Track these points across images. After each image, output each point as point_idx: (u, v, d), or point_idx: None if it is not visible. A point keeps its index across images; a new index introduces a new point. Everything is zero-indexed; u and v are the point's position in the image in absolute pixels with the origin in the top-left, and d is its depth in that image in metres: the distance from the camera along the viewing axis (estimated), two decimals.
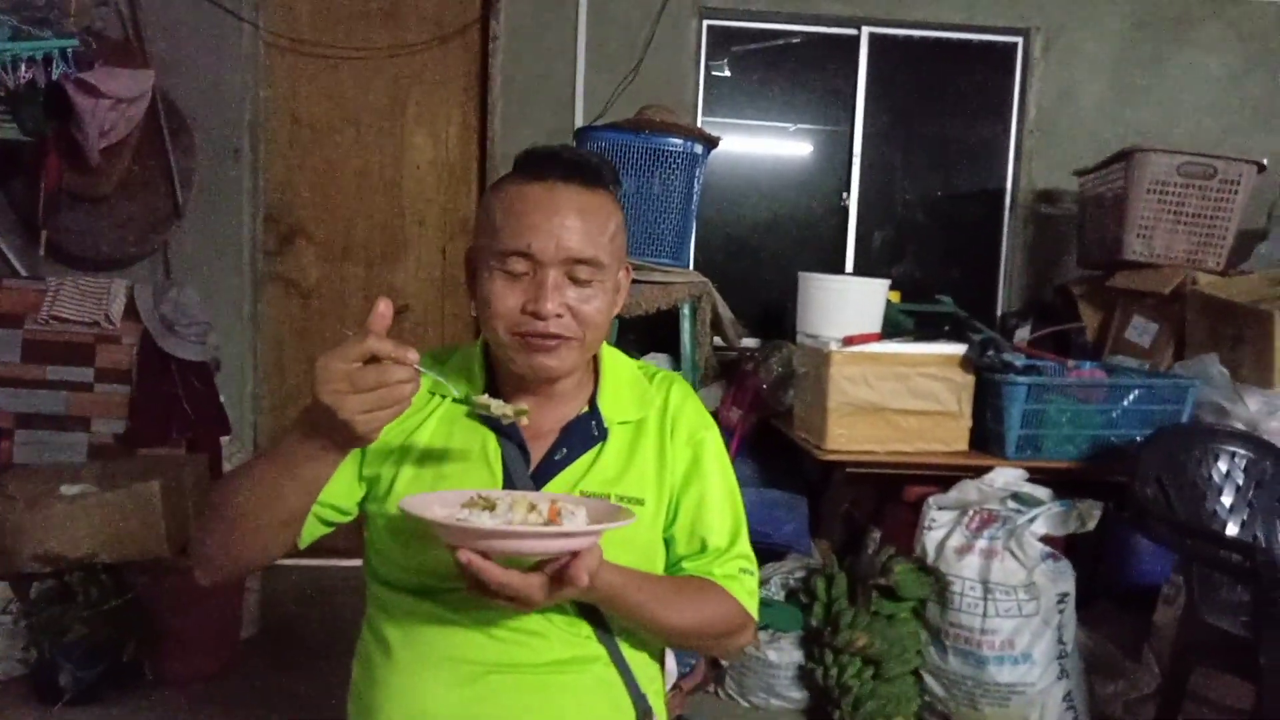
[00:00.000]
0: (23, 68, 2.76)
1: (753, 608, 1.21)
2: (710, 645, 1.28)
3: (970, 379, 2.64)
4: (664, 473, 1.19)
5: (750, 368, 3.34)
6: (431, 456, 1.15)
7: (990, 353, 2.57)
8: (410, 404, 0.93)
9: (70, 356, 3.16)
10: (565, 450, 1.16)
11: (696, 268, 3.84)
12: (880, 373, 2.59)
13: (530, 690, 1.09)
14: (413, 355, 0.90)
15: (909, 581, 2.50)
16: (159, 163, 3.47)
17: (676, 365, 3.34)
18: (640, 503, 1.16)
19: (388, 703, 1.10)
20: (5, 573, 2.65)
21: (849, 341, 2.59)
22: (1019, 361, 2.60)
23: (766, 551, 2.92)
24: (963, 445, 2.68)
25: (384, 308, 0.92)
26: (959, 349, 2.63)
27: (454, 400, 1.09)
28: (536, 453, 1.16)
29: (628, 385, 1.23)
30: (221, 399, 3.37)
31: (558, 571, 0.95)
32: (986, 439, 2.67)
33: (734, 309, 3.53)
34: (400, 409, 0.91)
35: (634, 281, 3.19)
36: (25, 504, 2.68)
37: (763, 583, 2.77)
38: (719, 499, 1.21)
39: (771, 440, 3.25)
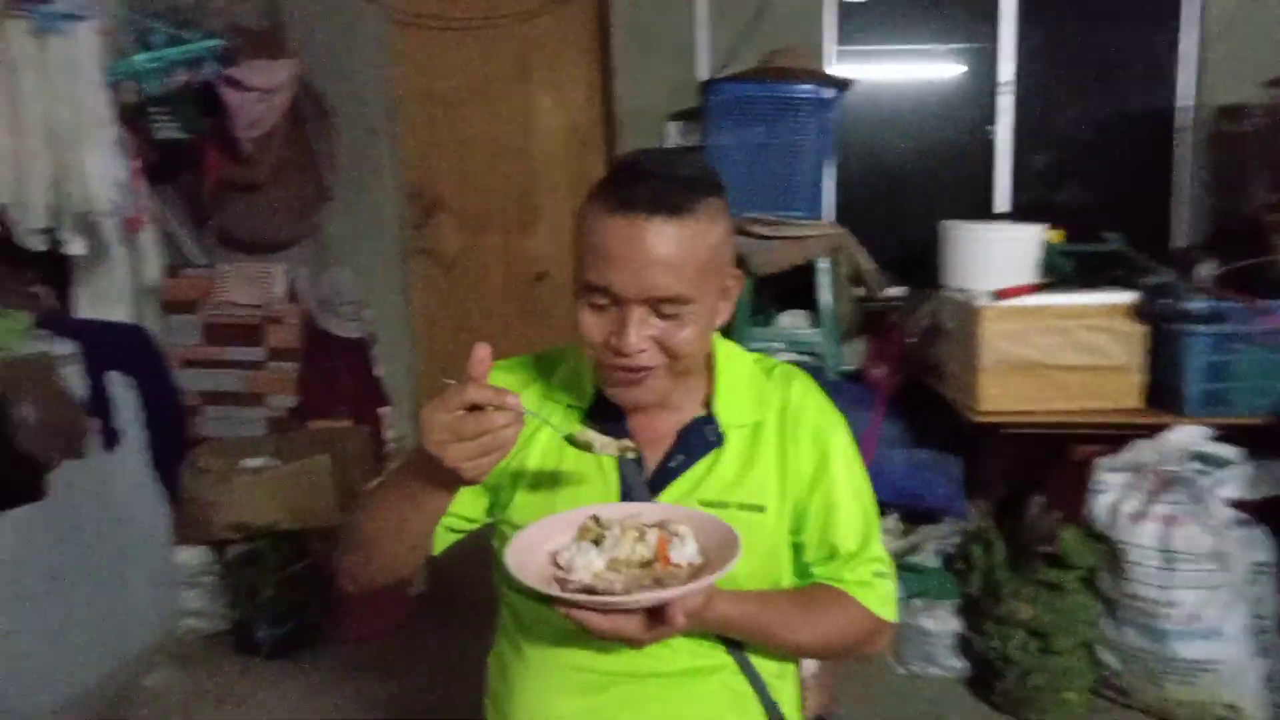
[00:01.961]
0: (177, 71, 2.91)
1: (887, 612, 1.16)
2: (842, 655, 1.24)
3: (1141, 329, 2.41)
4: (786, 477, 1.14)
5: (896, 320, 3.19)
6: (548, 467, 1.15)
7: (1164, 299, 2.33)
8: (515, 444, 0.92)
9: (243, 337, 3.39)
10: (681, 457, 1.13)
11: (837, 215, 3.69)
12: (1037, 327, 2.41)
13: (655, 699, 1.09)
14: (513, 399, 0.90)
15: (1077, 549, 2.35)
16: (306, 148, 3.62)
17: (816, 321, 3.24)
18: (761, 509, 1.12)
19: (518, 707, 1.13)
20: (204, 539, 2.90)
21: (1001, 295, 2.42)
22: (1200, 307, 2.34)
23: (919, 515, 2.81)
24: (1135, 402, 2.46)
25: (482, 353, 0.92)
26: (1127, 297, 2.41)
27: (563, 436, 1.06)
28: (652, 460, 1.14)
29: (745, 385, 1.18)
30: (380, 372, 3.54)
31: (656, 613, 0.93)
32: (1163, 394, 2.44)
33: (878, 256, 3.36)
34: (504, 453, 0.91)
35: (766, 238, 3.11)
36: (216, 477, 2.93)
37: (915, 548, 2.70)
38: (848, 501, 1.15)
39: (921, 396, 3.10)
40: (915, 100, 3.75)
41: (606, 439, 1.04)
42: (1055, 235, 3.23)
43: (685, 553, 1.00)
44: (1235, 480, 2.25)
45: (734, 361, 1.20)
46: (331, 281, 3.34)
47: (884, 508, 2.79)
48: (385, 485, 1.07)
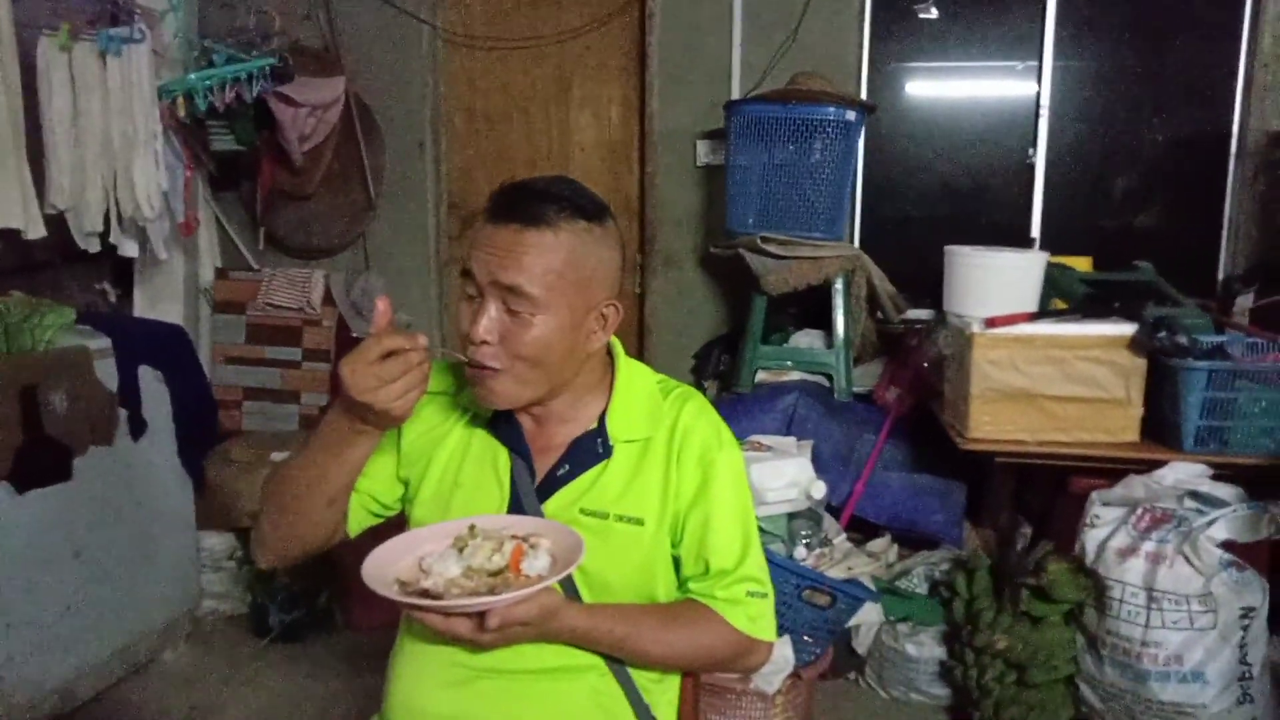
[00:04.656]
0: (227, 89, 3.12)
1: (759, 630, 1.20)
2: (711, 669, 1.28)
3: (1140, 362, 2.35)
4: (668, 493, 1.19)
5: (913, 344, 3.17)
6: (451, 467, 1.23)
7: (1163, 334, 2.27)
8: (427, 381, 1.05)
9: (283, 338, 3.60)
10: (568, 467, 1.19)
11: (862, 237, 3.69)
12: (1031, 356, 2.38)
13: (520, 696, 1.14)
14: (422, 339, 1.03)
15: (1064, 583, 2.29)
16: (354, 160, 3.82)
17: (830, 342, 3.24)
18: (640, 522, 1.17)
19: (393, 694, 1.21)
20: (228, 526, 3.09)
21: (992, 323, 2.39)
22: (1201, 341, 2.28)
23: (917, 540, 2.79)
24: (1132, 436, 2.40)
25: (383, 306, 1.06)
26: (1126, 329, 2.35)
27: (436, 357, 1.15)
28: (541, 468, 1.20)
29: (640, 402, 1.23)
30: None
31: (479, 619, 1.01)
32: (1161, 429, 2.38)
33: (906, 278, 3.35)
34: (424, 388, 1.04)
35: (780, 257, 3.13)
36: (242, 468, 3.11)
37: (904, 573, 2.68)
38: (727, 520, 1.20)
39: (933, 423, 3.07)
40: (952, 121, 3.72)
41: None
42: (1082, 263, 3.17)
43: (536, 564, 1.06)
44: (1229, 522, 2.16)
45: (635, 381, 1.26)
46: (364, 287, 3.51)
47: (875, 530, 2.80)
48: (301, 447, 1.16)
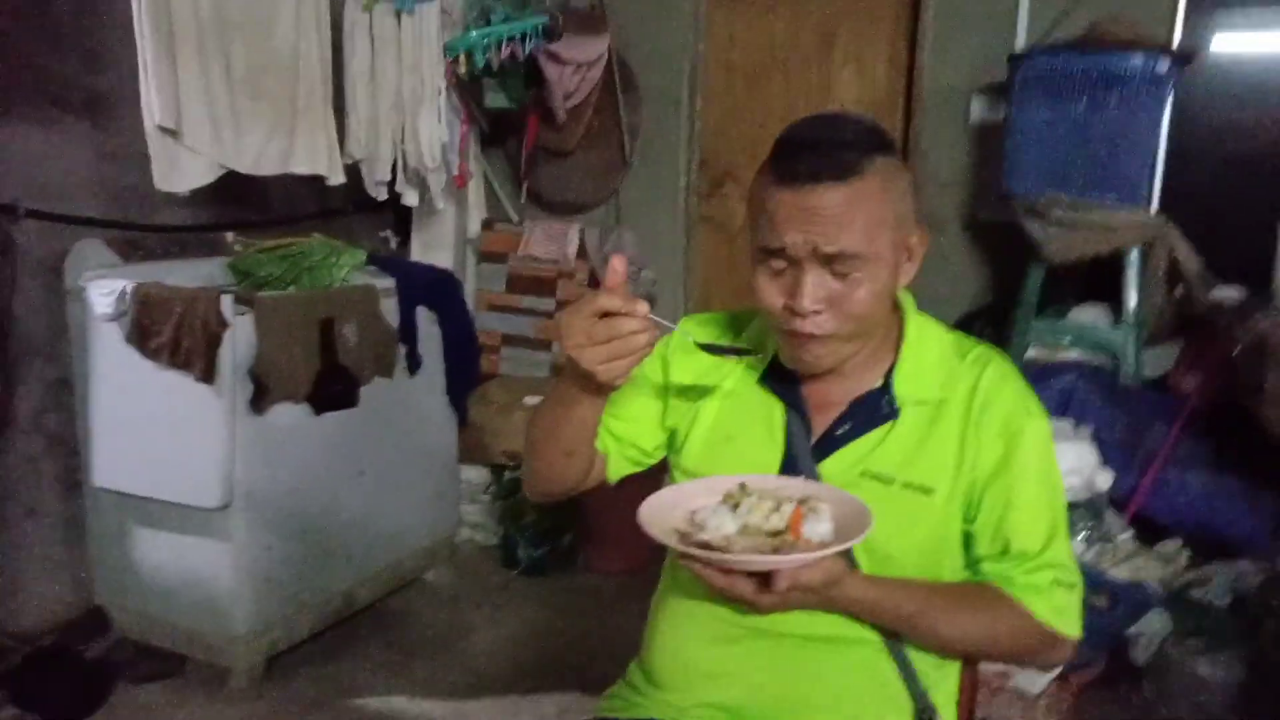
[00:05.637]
0: (504, 46, 3.25)
1: (1063, 625, 1.07)
2: (1002, 660, 1.15)
3: None
4: (964, 463, 1.08)
5: (1220, 327, 2.77)
6: (723, 420, 1.18)
7: None
8: (650, 351, 0.97)
9: (539, 288, 3.75)
10: (849, 425, 1.11)
11: (1163, 204, 3.26)
12: None
13: (788, 661, 1.09)
14: (643, 308, 0.95)
15: None
16: (613, 118, 3.88)
17: (1118, 319, 2.90)
18: (929, 491, 1.07)
19: (656, 644, 1.19)
20: (485, 461, 3.28)
21: None
22: None
23: (1213, 547, 2.45)
24: None
25: (618, 264, 0.96)
26: None
27: (697, 345, 1.10)
28: (819, 425, 1.13)
29: (933, 361, 1.12)
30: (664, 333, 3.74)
31: (763, 579, 0.94)
32: None
33: (1214, 253, 2.93)
34: (636, 358, 0.96)
35: (1066, 224, 2.84)
36: (499, 409, 3.29)
37: (1200, 583, 2.36)
38: (1033, 498, 1.07)
39: (1241, 417, 2.67)
40: None
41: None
42: None
43: (818, 529, 0.99)
44: None
45: (926, 337, 1.15)
46: (616, 242, 3.57)
47: (1164, 532, 2.49)
48: (546, 397, 1.17)
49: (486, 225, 3.92)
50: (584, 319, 0.95)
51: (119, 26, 2.46)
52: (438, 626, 2.74)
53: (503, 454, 3.23)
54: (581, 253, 3.68)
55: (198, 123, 2.52)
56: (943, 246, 3.56)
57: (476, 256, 3.90)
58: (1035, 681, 2.02)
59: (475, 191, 3.96)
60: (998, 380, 1.11)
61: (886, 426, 1.10)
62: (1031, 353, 2.96)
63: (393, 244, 3.85)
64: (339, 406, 2.52)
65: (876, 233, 1.01)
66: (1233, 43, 3.19)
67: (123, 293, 2.26)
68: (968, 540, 1.11)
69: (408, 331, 2.76)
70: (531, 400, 3.35)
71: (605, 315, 0.94)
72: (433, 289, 2.92)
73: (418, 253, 3.77)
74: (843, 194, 0.99)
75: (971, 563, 1.11)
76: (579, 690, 2.39)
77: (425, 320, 2.86)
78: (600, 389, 1.02)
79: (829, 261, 1.01)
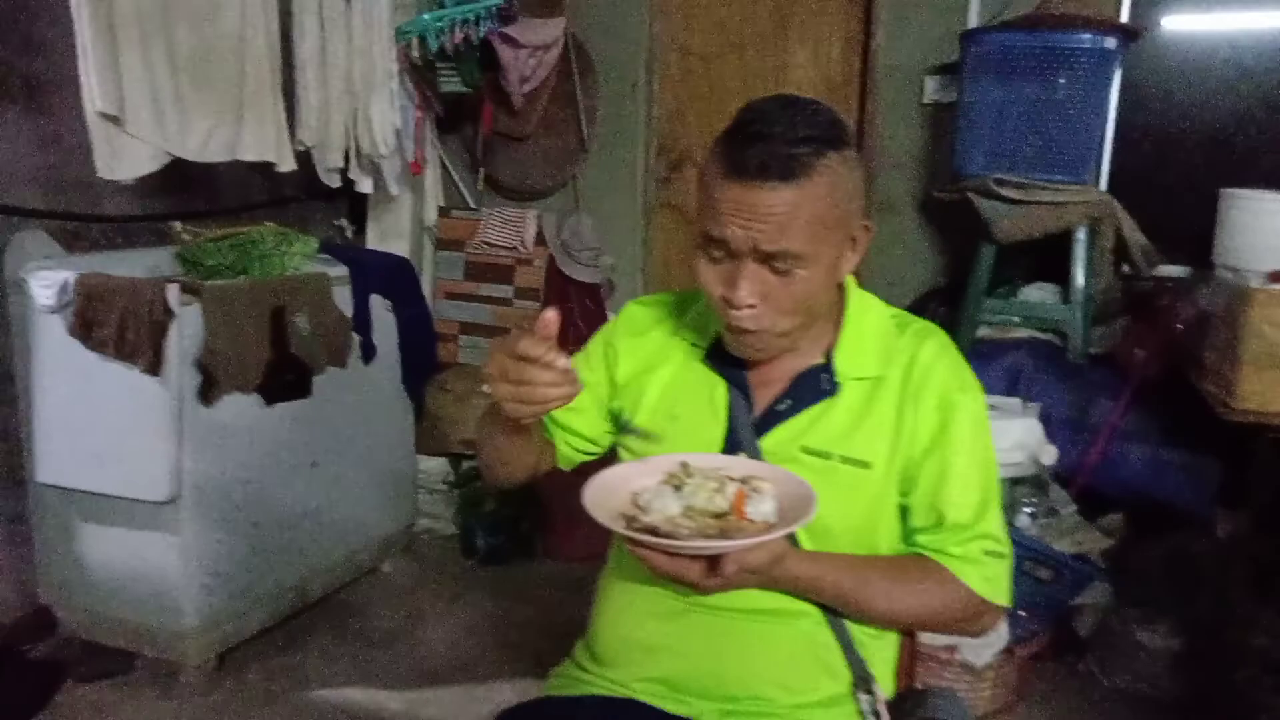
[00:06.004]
0: (456, 29, 3.22)
1: (994, 593, 1.09)
2: (936, 629, 1.18)
3: None
4: (900, 437, 1.10)
5: (1166, 302, 2.83)
6: (667, 399, 1.19)
7: None
8: (565, 403, 0.96)
9: (496, 275, 3.73)
10: (790, 402, 1.13)
11: (1111, 182, 3.31)
12: None
13: (729, 634, 1.10)
14: (563, 362, 0.93)
15: None
16: (570, 102, 3.86)
17: (1066, 297, 2.95)
18: (866, 465, 1.09)
19: (601, 621, 1.20)
20: (442, 451, 3.27)
21: (1277, 278, 2.07)
22: None
23: (1154, 519, 2.51)
24: None
25: (551, 316, 0.94)
26: None
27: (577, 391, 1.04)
28: (761, 401, 1.14)
29: (873, 338, 1.14)
30: (612, 316, 3.73)
31: (716, 563, 0.95)
32: None
33: (1163, 230, 2.97)
34: (544, 408, 0.95)
35: (1014, 202, 2.87)
36: (456, 398, 3.27)
37: (1140, 554, 2.42)
38: (965, 471, 1.09)
39: (1184, 390, 2.73)
40: (1237, 53, 3.22)
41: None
42: None
43: (761, 509, 1.00)
44: None
45: (867, 314, 1.17)
46: (573, 228, 3.56)
47: (1105, 505, 2.54)
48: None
49: (443, 212, 3.89)
50: (505, 354, 0.94)
51: (56, 8, 2.40)
52: (394, 617, 2.73)
53: (461, 443, 3.21)
54: (540, 239, 3.66)
55: (140, 109, 2.47)
56: (898, 227, 3.59)
57: (434, 244, 3.87)
58: (981, 654, 2.06)
59: (432, 178, 3.92)
60: (934, 355, 1.13)
61: (826, 402, 1.12)
62: (983, 331, 3.00)
63: (348, 232, 3.81)
64: (291, 397, 2.50)
65: (820, 233, 1.01)
66: (1181, 22, 3.23)
67: (65, 284, 2.21)
68: (903, 513, 1.13)
69: (361, 320, 2.74)
70: (489, 388, 3.33)
71: (524, 359, 0.93)
72: (387, 277, 2.89)
73: (374, 241, 3.73)
74: (789, 195, 0.98)
75: (907, 535, 1.13)
76: (536, 677, 2.39)
77: (380, 308, 2.84)
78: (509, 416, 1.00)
79: (768, 259, 1.02)
